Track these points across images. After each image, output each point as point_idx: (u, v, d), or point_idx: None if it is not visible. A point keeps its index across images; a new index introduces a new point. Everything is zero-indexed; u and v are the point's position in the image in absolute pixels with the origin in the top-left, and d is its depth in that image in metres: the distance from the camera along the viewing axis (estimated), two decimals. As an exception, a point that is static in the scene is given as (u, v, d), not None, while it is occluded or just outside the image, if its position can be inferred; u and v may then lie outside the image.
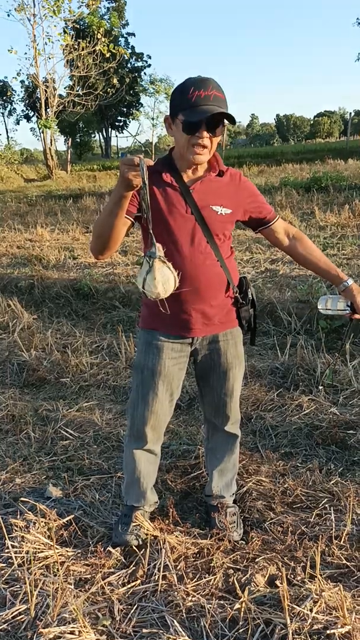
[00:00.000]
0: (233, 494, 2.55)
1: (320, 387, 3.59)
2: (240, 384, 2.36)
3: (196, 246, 2.04)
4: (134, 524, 2.34)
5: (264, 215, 2.22)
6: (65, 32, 27.95)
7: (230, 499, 2.53)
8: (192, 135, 1.90)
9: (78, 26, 31.29)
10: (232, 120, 1.89)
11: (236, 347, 2.28)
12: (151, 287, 1.85)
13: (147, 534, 2.33)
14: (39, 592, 2.08)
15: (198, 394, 2.50)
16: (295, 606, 1.94)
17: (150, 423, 2.26)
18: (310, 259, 2.29)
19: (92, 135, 53.65)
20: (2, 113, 61.12)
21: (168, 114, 1.99)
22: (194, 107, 1.85)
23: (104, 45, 27.80)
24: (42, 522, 2.42)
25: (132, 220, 2.03)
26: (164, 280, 1.85)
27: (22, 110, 57.00)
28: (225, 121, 1.92)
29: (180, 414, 3.53)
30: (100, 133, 60.17)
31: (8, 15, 27.43)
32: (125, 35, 53.80)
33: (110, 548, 2.30)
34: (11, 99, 56.27)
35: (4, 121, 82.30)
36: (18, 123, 62.64)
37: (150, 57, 56.42)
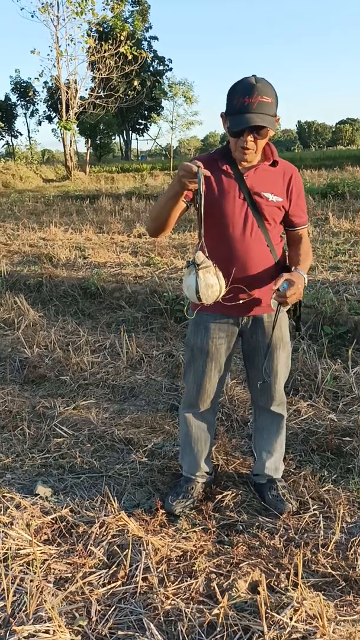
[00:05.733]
0: (281, 472, 2.68)
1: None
2: (284, 365, 2.45)
3: (248, 229, 2.19)
4: (182, 495, 2.58)
5: (293, 219, 2.32)
6: (88, 34, 28.19)
7: (278, 476, 2.66)
8: (237, 139, 2.06)
9: (101, 29, 31.52)
10: (269, 126, 1.98)
11: (280, 329, 2.38)
12: (189, 293, 1.97)
13: (130, 535, 2.30)
14: (17, 589, 2.06)
15: (246, 375, 2.63)
16: (275, 614, 1.90)
17: (199, 395, 2.47)
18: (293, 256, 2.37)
19: (113, 138, 53.84)
20: (25, 114, 61.62)
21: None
22: (237, 114, 1.98)
23: (127, 48, 27.98)
24: (26, 519, 2.40)
25: (188, 204, 2.16)
26: (203, 287, 1.93)
27: (44, 112, 57.56)
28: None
29: (177, 415, 3.49)
30: (120, 135, 60.49)
31: (32, 16, 27.76)
32: (148, 39, 54.07)
33: (92, 547, 2.27)
34: (33, 99, 56.70)
35: (26, 122, 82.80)
36: (40, 124, 63.19)
37: (171, 61, 56.64)
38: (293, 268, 2.22)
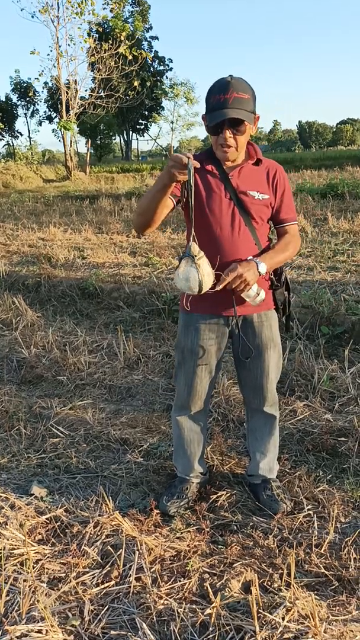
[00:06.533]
0: (275, 472, 2.68)
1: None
2: (276, 366, 2.45)
3: (235, 229, 2.20)
4: (177, 495, 2.58)
5: (280, 215, 2.32)
6: (89, 34, 28.22)
7: (273, 476, 2.64)
8: (217, 136, 2.09)
9: (101, 29, 31.54)
10: (246, 120, 2.02)
11: (271, 329, 2.39)
12: (190, 284, 1.99)
13: (124, 535, 2.30)
14: (10, 589, 2.06)
15: (237, 377, 2.62)
16: (267, 614, 1.90)
17: (190, 397, 2.47)
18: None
19: (113, 138, 53.87)
20: (25, 114, 61.66)
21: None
22: (213, 111, 2.03)
23: (126, 48, 28.00)
24: (20, 518, 2.40)
25: (175, 202, 2.16)
26: (194, 278, 1.98)
27: (45, 112, 57.56)
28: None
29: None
30: (121, 136, 60.46)
31: (32, 17, 27.81)
32: (148, 39, 54.07)
33: (86, 547, 2.27)
34: (34, 100, 56.72)
35: (27, 122, 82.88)
36: (40, 124, 63.26)
37: (172, 61, 56.64)
38: (250, 257, 2.21)
